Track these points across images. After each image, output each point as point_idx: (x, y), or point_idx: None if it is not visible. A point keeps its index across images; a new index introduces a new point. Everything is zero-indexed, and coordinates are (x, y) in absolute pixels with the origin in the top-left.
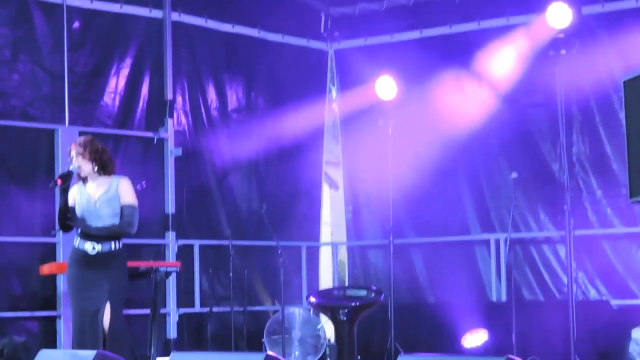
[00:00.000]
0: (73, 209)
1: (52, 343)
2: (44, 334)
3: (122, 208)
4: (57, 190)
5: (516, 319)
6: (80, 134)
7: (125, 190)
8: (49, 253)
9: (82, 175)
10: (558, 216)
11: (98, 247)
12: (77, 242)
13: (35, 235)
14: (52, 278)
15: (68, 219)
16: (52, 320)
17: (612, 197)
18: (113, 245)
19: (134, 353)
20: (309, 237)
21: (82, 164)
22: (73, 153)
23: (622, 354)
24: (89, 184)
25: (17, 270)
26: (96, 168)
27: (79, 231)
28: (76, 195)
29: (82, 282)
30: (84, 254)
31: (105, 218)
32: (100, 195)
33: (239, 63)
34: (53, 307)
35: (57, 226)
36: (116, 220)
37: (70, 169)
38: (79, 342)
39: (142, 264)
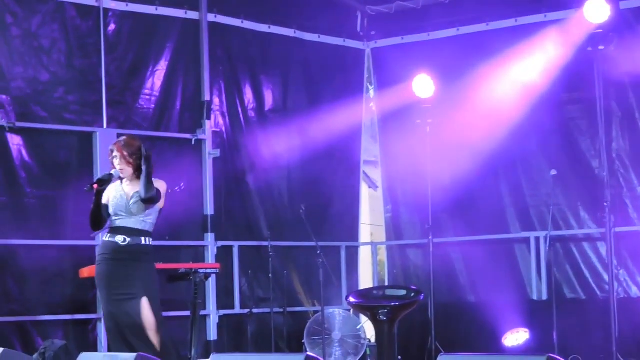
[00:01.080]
0: (106, 206)
1: (92, 346)
2: (84, 337)
3: None
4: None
5: (557, 318)
6: (119, 136)
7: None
8: (88, 256)
9: (123, 176)
10: (598, 213)
11: (129, 239)
12: (107, 236)
13: (75, 239)
14: (92, 281)
15: (99, 218)
16: (93, 323)
17: None
18: (144, 240)
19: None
20: (348, 237)
21: (124, 168)
22: (116, 153)
23: None
24: (125, 182)
25: (57, 273)
26: (137, 173)
27: (110, 227)
28: (111, 192)
29: (114, 280)
30: (114, 246)
31: (136, 216)
32: (134, 193)
33: (276, 63)
34: (93, 310)
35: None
36: (146, 221)
37: (111, 172)
38: (118, 340)
39: (182, 266)
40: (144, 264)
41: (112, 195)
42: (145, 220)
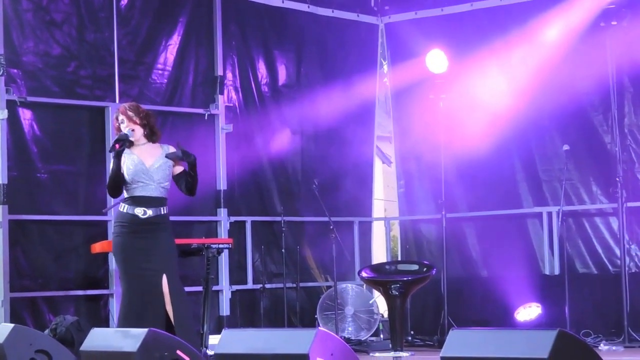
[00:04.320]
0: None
1: (104, 322)
2: (96, 312)
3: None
4: (110, 157)
5: (569, 292)
6: None
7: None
8: (100, 231)
9: (134, 139)
10: (610, 188)
11: (149, 212)
12: (125, 208)
13: (86, 214)
14: (104, 256)
15: (120, 182)
16: (105, 299)
17: None
18: (162, 210)
19: (193, 324)
20: (361, 213)
21: (134, 128)
22: (122, 117)
23: None
24: (137, 149)
25: (69, 249)
26: (145, 133)
27: (127, 197)
28: (123, 161)
29: (133, 254)
30: (134, 218)
31: (157, 183)
32: (155, 159)
33: (289, 38)
34: (105, 285)
35: (109, 203)
36: (165, 187)
37: (126, 132)
38: (137, 317)
39: (194, 241)
40: (164, 234)
41: (125, 164)
42: (165, 186)
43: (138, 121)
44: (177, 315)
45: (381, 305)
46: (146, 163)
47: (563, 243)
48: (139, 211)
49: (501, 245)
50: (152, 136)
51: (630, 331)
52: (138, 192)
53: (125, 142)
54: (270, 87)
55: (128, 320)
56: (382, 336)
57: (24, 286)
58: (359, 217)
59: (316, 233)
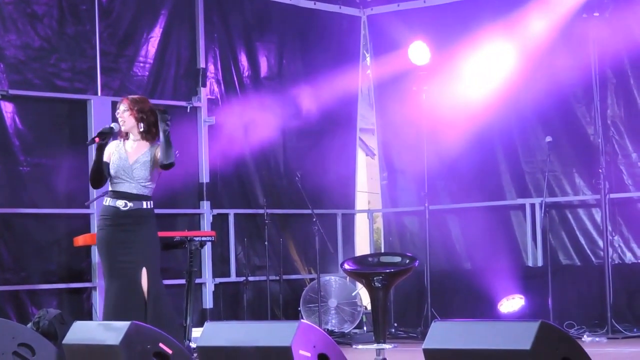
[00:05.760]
0: (107, 165)
1: (87, 315)
2: (79, 305)
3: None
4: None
5: (552, 284)
6: (113, 103)
7: None
8: (83, 224)
9: (124, 129)
10: (593, 180)
11: (130, 204)
12: (108, 201)
13: (69, 207)
14: (87, 249)
15: (100, 176)
16: (88, 292)
17: None
18: (145, 204)
19: (174, 318)
20: (344, 205)
21: (126, 120)
22: (122, 107)
23: None
24: (129, 143)
25: (52, 242)
26: (142, 128)
27: (110, 190)
28: (113, 152)
29: (115, 247)
30: (116, 210)
31: (137, 182)
32: (138, 157)
33: (271, 30)
34: (88, 278)
35: (92, 196)
36: (147, 187)
37: (110, 126)
38: (118, 310)
39: (177, 234)
40: (145, 228)
41: (113, 155)
42: (146, 185)
43: (134, 114)
44: (152, 310)
45: (364, 297)
46: (130, 159)
47: (546, 235)
48: (120, 203)
49: (484, 237)
50: (147, 134)
51: (614, 322)
52: (119, 188)
53: (108, 136)
54: (252, 79)
55: (111, 314)
56: (365, 328)
57: (6, 279)
58: (342, 210)
59: (299, 225)
